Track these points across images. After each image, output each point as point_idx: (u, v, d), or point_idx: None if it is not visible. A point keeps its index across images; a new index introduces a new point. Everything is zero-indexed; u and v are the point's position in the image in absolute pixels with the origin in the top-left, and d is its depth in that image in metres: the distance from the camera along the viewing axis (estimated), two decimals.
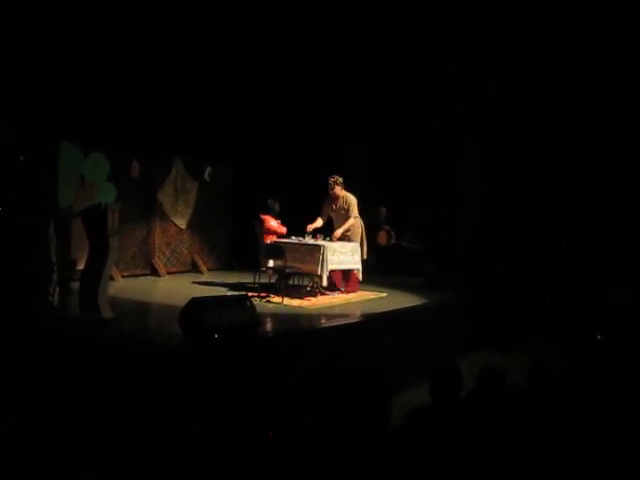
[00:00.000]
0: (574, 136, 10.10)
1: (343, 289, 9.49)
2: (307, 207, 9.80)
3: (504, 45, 10.48)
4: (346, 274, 9.51)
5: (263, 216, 9.49)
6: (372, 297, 9.43)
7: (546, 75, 10.13)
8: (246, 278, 9.76)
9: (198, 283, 10.19)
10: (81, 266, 7.44)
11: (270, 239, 9.34)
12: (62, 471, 4.47)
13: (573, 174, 10.16)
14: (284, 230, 9.50)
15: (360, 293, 9.53)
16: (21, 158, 7.30)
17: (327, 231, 9.50)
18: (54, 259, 7.46)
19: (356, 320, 8.01)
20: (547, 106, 10.11)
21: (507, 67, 10.43)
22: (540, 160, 10.27)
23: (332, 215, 9.62)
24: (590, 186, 10.09)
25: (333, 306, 8.65)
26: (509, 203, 10.48)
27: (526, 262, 10.29)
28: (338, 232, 9.34)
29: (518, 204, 10.41)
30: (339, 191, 9.46)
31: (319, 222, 9.55)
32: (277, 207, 9.57)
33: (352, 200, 9.50)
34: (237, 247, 12.26)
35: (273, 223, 9.46)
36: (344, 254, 9.18)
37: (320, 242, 8.99)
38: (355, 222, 9.54)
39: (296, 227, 9.51)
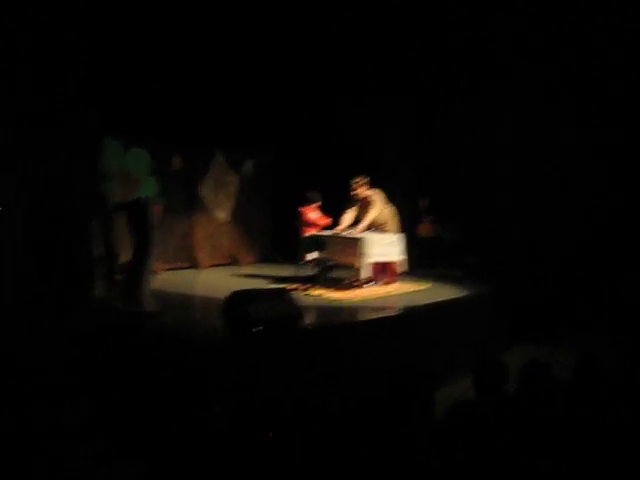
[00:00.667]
0: None
1: (384, 281, 9.43)
2: (347, 198, 9.75)
3: None
4: (384, 266, 9.44)
5: (302, 209, 9.49)
6: (414, 289, 9.35)
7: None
8: (286, 271, 9.77)
9: (239, 276, 10.23)
10: (124, 260, 7.52)
11: (310, 231, 9.33)
12: (104, 461, 4.53)
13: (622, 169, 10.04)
14: (326, 221, 9.45)
15: (401, 285, 9.46)
16: (65, 155, 7.40)
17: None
18: (97, 254, 7.56)
19: (398, 313, 7.95)
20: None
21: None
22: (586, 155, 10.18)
23: (362, 216, 9.50)
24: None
25: (374, 298, 8.59)
26: (552, 195, 10.37)
27: (571, 254, 10.14)
28: (359, 227, 9.23)
29: (561, 196, 10.29)
30: (363, 192, 9.35)
31: (346, 222, 9.43)
32: (317, 199, 9.55)
33: (375, 195, 9.41)
34: (278, 240, 12.29)
35: (312, 215, 9.43)
36: (384, 246, 9.12)
37: (360, 234, 8.95)
38: (385, 213, 9.44)
39: (336, 219, 9.48)
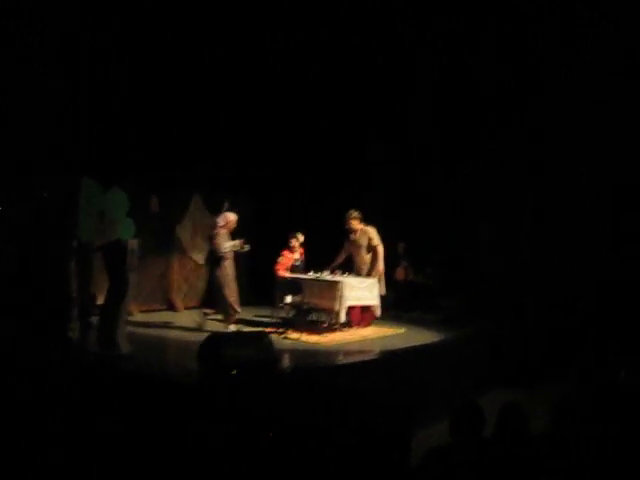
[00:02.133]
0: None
1: (360, 325, 9.41)
2: (327, 239, 9.81)
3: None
4: (360, 309, 9.43)
5: (283, 252, 9.54)
6: (390, 333, 9.38)
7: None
8: (264, 313, 9.74)
9: (216, 320, 10.16)
10: (101, 301, 7.47)
11: (286, 274, 9.36)
12: None
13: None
14: (281, 274, 9.50)
15: (378, 329, 9.47)
16: (44, 195, 7.39)
17: (344, 267, 9.50)
18: (74, 294, 7.50)
19: (374, 357, 7.95)
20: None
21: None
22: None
23: (351, 249, 9.59)
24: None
25: (351, 342, 8.60)
26: (534, 238, 10.56)
27: (545, 296, 10.26)
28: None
29: (541, 239, 10.46)
30: (356, 225, 9.45)
31: (340, 259, 9.59)
32: (293, 242, 9.59)
33: (372, 231, 9.46)
34: (255, 282, 12.24)
35: (280, 260, 9.51)
36: (362, 290, 9.14)
37: (337, 278, 8.98)
38: (368, 257, 9.50)
39: (317, 260, 9.53)
